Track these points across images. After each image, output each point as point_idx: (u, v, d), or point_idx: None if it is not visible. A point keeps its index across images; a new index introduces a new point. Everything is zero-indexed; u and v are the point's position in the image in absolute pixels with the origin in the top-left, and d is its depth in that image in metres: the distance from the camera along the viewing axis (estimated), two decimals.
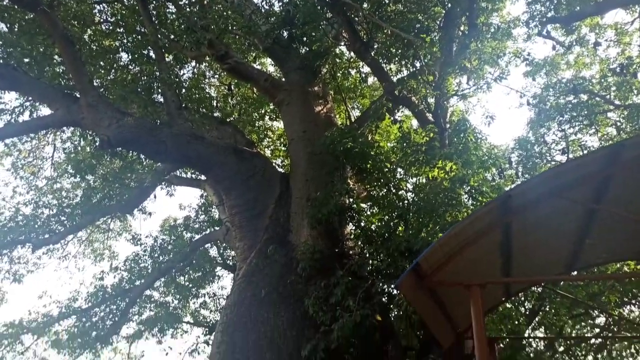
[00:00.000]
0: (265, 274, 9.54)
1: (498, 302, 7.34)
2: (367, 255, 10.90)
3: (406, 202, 10.04)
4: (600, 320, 16.54)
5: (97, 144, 11.57)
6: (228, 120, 14.26)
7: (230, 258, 16.70)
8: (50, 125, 11.73)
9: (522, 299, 15.27)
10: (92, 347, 14.33)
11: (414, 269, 4.01)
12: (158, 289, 16.45)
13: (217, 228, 14.96)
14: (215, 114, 14.32)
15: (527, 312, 15.18)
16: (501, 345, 11.25)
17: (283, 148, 16.82)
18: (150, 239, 16.51)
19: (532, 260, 5.46)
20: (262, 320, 8.87)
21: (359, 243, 11.06)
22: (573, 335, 18.00)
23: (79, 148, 15.05)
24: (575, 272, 13.46)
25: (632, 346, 21.51)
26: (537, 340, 18.27)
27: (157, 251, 15.67)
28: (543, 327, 17.29)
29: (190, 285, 16.50)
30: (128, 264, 15.54)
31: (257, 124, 16.58)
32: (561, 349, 17.47)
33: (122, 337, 15.80)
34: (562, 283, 12.82)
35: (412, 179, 10.62)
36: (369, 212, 11.76)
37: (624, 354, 22.50)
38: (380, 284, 9.45)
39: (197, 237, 16.06)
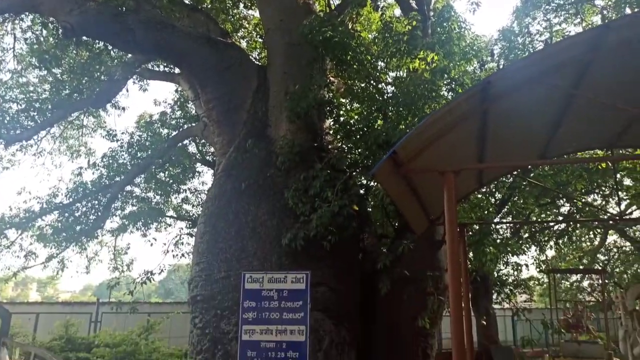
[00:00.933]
0: (245, 167, 9.61)
1: (471, 191, 7.62)
2: (346, 149, 11.01)
3: (386, 95, 9.92)
4: (565, 209, 17.54)
5: (60, 32, 10.80)
6: (200, 7, 13.33)
7: (210, 154, 16.71)
8: (5, 10, 10.81)
9: (494, 190, 15.98)
10: (78, 241, 14.74)
11: (391, 157, 4.05)
12: (139, 185, 16.58)
13: (194, 124, 14.74)
14: (186, 0, 13.34)
15: (497, 202, 15.95)
16: (470, 232, 11.93)
17: (259, 40, 16.05)
18: (127, 136, 16.28)
19: (506, 149, 5.57)
20: (243, 211, 9.11)
21: (338, 137, 11.10)
22: (538, 221, 19.14)
23: (42, 38, 14.09)
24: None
25: (591, 232, 23.22)
26: (504, 227, 19.47)
27: (134, 147, 15.52)
28: (511, 216, 18.31)
29: (171, 181, 16.66)
30: (106, 160, 15.44)
31: (231, 13, 15.60)
32: (526, 235, 18.73)
33: (106, 231, 16.23)
34: (532, 175, 13.35)
35: (392, 72, 10.39)
36: (348, 106, 11.65)
37: (582, 239, 24.38)
38: (358, 176, 9.67)
39: (174, 133, 15.85)
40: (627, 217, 13.36)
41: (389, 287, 8.89)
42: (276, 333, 5.51)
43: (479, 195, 12.46)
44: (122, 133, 16.47)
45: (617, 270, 24.68)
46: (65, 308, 15.16)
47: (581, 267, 21.41)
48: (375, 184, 9.74)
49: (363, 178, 9.77)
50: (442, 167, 4.13)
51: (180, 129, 15.90)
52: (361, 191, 9.98)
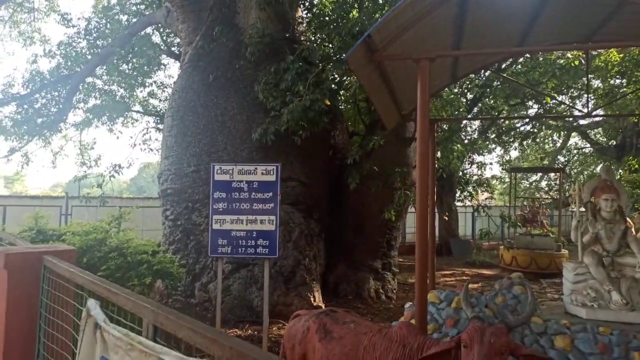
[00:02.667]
0: (213, 58, 9.15)
1: (444, 85, 7.52)
2: (319, 41, 10.52)
3: None
4: (533, 111, 17.76)
5: None
6: None
7: (176, 45, 15.77)
8: None
9: (466, 91, 15.93)
10: (41, 134, 14.22)
11: (365, 42, 3.84)
12: (101, 77, 15.74)
13: (156, 10, 13.66)
14: None
15: (469, 103, 15.99)
16: (440, 131, 12.04)
17: None
18: (83, 21, 15.06)
19: (483, 39, 5.39)
20: (211, 104, 8.83)
21: (311, 28, 10.56)
22: (506, 123, 19.47)
23: None
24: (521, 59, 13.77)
25: (555, 134, 23.89)
26: (472, 128, 19.76)
27: (92, 34, 14.44)
28: (481, 116, 18.50)
29: (135, 74, 15.83)
30: (62, 48, 14.40)
31: None
32: (493, 136, 19.14)
33: (70, 124, 15.66)
34: (505, 73, 13.25)
35: None
36: None
37: (546, 141, 25.16)
38: (331, 70, 9.37)
39: (134, 20, 14.73)
40: (593, 115, 13.69)
41: (358, 181, 9.08)
42: (247, 222, 5.60)
43: (452, 95, 12.41)
44: (78, 19, 15.23)
45: (575, 170, 25.90)
46: (35, 201, 15.03)
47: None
48: (348, 78, 9.48)
49: (336, 72, 9.48)
50: (417, 54, 3.97)
51: (141, 16, 14.77)
52: (334, 86, 9.75)
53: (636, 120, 15.42)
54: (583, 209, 5.63)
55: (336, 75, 9.87)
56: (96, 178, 11.32)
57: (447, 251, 17.56)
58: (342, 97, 11.23)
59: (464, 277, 12.32)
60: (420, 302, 3.89)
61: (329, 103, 8.43)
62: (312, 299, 7.80)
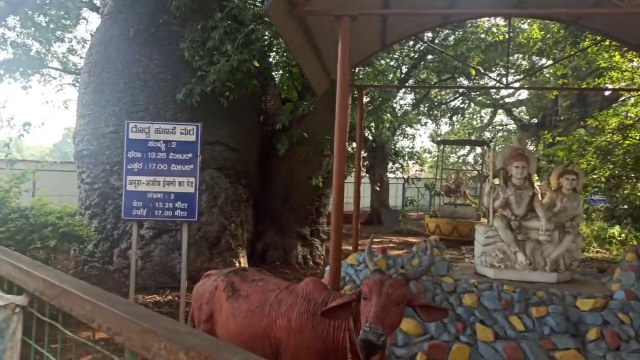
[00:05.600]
0: (135, 11, 8.53)
1: (373, 52, 7.50)
2: None
3: None
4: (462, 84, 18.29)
5: None
6: None
7: None
8: None
9: (400, 64, 16.15)
10: None
11: None
12: (13, 28, 14.30)
13: None
14: None
15: (402, 75, 16.24)
16: (370, 105, 12.12)
17: None
18: None
19: (411, 2, 5.37)
20: (133, 61, 8.29)
21: None
22: (437, 98, 20.06)
23: None
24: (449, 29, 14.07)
25: (482, 111, 24.97)
26: (405, 102, 20.17)
27: None
28: (413, 92, 18.92)
29: (53, 27, 14.53)
30: None
31: None
32: (424, 109, 19.65)
33: None
34: (436, 41, 13.52)
35: None
36: None
37: (474, 117, 26.28)
38: (261, 31, 9.05)
39: None
40: (515, 87, 14.37)
41: (287, 148, 8.97)
42: (164, 184, 5.34)
43: (383, 66, 12.50)
44: None
45: (499, 145, 27.31)
46: None
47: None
48: (279, 40, 9.20)
49: (267, 33, 9.18)
50: (338, 11, 3.86)
51: None
52: (263, 47, 9.44)
53: (553, 98, 16.40)
54: (496, 179, 5.89)
55: (267, 37, 9.57)
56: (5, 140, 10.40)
57: (378, 221, 18.03)
58: (275, 62, 10.96)
59: (392, 245, 12.72)
60: (334, 262, 3.91)
61: (258, 65, 8.18)
62: (237, 265, 7.71)
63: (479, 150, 23.95)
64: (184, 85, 7.87)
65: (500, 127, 26.59)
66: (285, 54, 9.51)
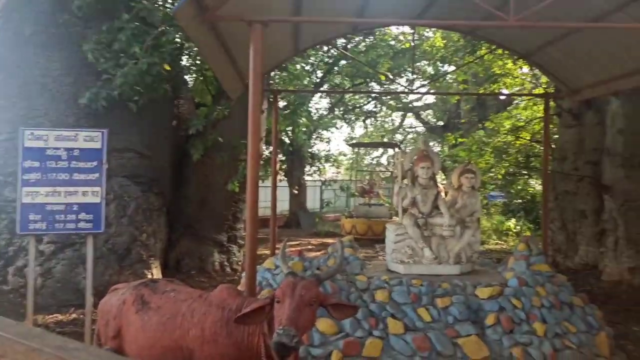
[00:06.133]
0: (31, 9, 7.90)
1: (287, 57, 7.59)
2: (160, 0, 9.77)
3: None
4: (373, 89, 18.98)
5: None
6: None
7: None
8: None
9: (315, 69, 16.45)
10: None
11: None
12: None
13: None
14: None
15: (318, 79, 16.55)
16: (287, 109, 12.26)
17: None
18: None
19: (321, 11, 5.53)
20: (29, 64, 7.69)
21: None
22: (351, 102, 20.69)
23: None
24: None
25: (393, 114, 26.12)
26: (320, 106, 20.58)
27: None
28: (328, 96, 19.34)
29: None
30: None
31: None
32: (339, 113, 20.17)
33: None
34: (348, 47, 13.96)
35: None
36: None
37: (386, 120, 27.43)
38: (172, 33, 8.80)
39: None
40: (420, 92, 15.23)
41: (202, 153, 8.79)
42: (65, 195, 5.00)
43: (298, 70, 12.70)
44: None
45: (410, 147, 28.75)
46: None
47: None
48: (192, 44, 9.00)
49: (178, 35, 8.93)
50: (250, 17, 3.89)
51: None
52: (175, 50, 9.17)
53: (456, 102, 17.61)
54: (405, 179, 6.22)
55: (178, 40, 9.31)
56: None
57: (297, 224, 18.18)
58: (187, 65, 10.69)
59: (310, 247, 12.90)
60: (250, 267, 3.92)
61: (169, 68, 7.95)
62: (150, 277, 7.41)
63: (391, 151, 25.07)
64: (87, 89, 7.43)
65: (410, 130, 27.98)
66: (198, 58, 9.32)
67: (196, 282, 8.01)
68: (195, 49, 8.72)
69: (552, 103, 10.38)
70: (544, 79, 10.41)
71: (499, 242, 13.77)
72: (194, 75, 10.80)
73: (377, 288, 5.08)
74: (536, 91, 11.81)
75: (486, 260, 7.17)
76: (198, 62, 9.84)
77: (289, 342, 2.24)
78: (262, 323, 2.58)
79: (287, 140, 16.67)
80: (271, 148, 8.80)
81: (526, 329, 4.75)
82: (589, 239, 9.05)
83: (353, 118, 22.49)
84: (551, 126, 11.28)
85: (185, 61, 9.87)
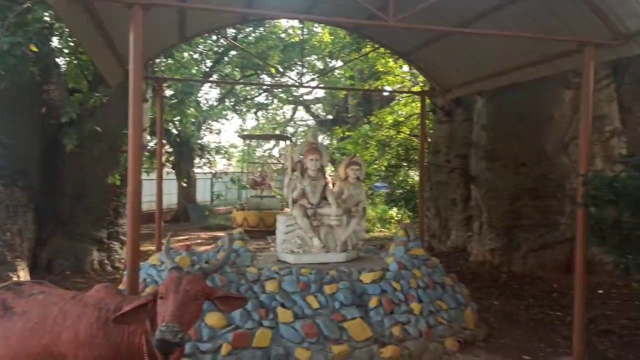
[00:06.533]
0: None
1: (173, 44, 7.26)
2: None
3: None
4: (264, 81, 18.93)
5: None
6: None
7: None
8: None
9: (204, 58, 15.93)
10: None
11: None
12: None
13: None
14: None
15: (207, 69, 16.05)
16: (174, 98, 11.72)
17: None
18: None
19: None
20: None
21: None
22: (242, 94, 20.42)
23: None
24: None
25: (284, 107, 26.31)
26: (210, 97, 20.02)
27: None
28: (219, 87, 18.87)
29: None
30: None
31: None
32: (230, 104, 19.80)
33: None
34: (239, 37, 13.74)
35: None
36: None
37: (277, 112, 27.55)
38: (39, 11, 7.93)
39: None
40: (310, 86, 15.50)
41: (76, 143, 8.08)
42: None
43: (187, 55, 12.21)
44: None
45: (301, 139, 29.23)
46: None
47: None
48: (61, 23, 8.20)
49: (47, 14, 8.07)
50: None
51: None
52: (45, 31, 8.28)
53: (343, 97, 18.30)
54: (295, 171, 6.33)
55: (47, 18, 8.42)
56: None
57: (186, 217, 17.55)
58: (60, 48, 9.71)
59: (199, 241, 12.56)
60: (132, 264, 3.72)
61: (36, 49, 7.15)
62: (15, 279, 6.66)
63: (283, 144, 25.26)
64: None
65: (301, 123, 28.44)
66: (71, 39, 8.51)
67: (71, 283, 7.38)
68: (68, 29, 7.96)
69: (428, 100, 11.27)
70: (421, 77, 11.23)
71: (383, 229, 14.64)
72: (67, 58, 9.85)
73: (267, 279, 5.13)
74: (415, 89, 12.72)
75: (370, 247, 7.58)
76: (72, 44, 9.00)
77: (172, 338, 2.18)
78: (145, 321, 2.47)
79: (174, 131, 15.96)
80: (157, 139, 8.38)
81: (404, 308, 5.14)
82: (459, 224, 10.03)
83: (244, 110, 22.22)
84: (427, 122, 12.26)
85: (56, 42, 8.96)
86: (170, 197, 18.71)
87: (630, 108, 7.89)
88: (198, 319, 2.56)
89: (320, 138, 27.11)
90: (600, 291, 7.10)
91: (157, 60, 10.85)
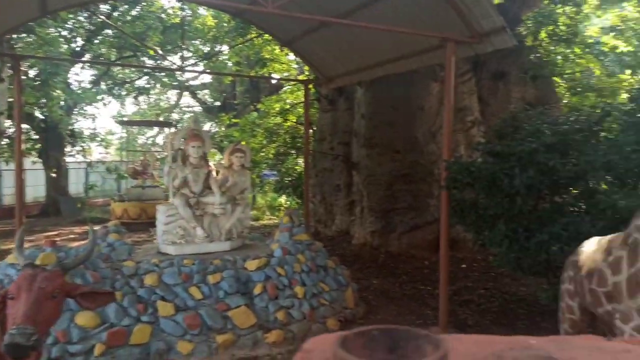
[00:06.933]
0: None
1: (29, 19, 6.48)
2: None
3: None
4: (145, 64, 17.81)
5: None
6: None
7: None
8: None
9: (75, 35, 14.50)
10: None
11: None
12: None
13: None
14: None
15: (78, 47, 14.64)
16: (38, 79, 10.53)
17: None
18: None
19: None
20: None
21: None
22: (120, 76, 19.00)
23: None
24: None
25: (168, 92, 25.05)
26: (83, 79, 18.26)
27: None
28: (94, 68, 17.33)
29: None
30: None
31: None
32: (106, 87, 18.31)
33: None
34: (115, 14, 12.71)
35: None
36: None
37: (161, 98, 26.16)
38: None
39: None
40: (192, 70, 14.98)
41: None
42: None
43: (51, 35, 10.99)
44: None
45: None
46: None
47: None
48: None
49: None
50: None
51: None
52: None
53: (229, 83, 17.93)
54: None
55: None
56: None
57: (56, 211, 15.97)
58: None
59: (72, 236, 11.54)
60: None
61: None
62: None
63: (168, 131, 24.05)
64: None
65: (188, 109, 27.34)
66: None
67: None
68: None
69: (313, 89, 11.51)
70: (307, 66, 11.41)
71: (272, 217, 14.74)
72: None
73: (146, 272, 4.90)
74: (301, 78, 12.89)
75: (257, 234, 7.60)
76: None
77: (25, 341, 1.99)
78: None
79: (40, 116, 14.36)
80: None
81: (289, 293, 5.25)
82: (343, 209, 10.46)
83: (123, 94, 20.70)
84: (313, 110, 12.53)
85: None
86: (38, 189, 16.89)
87: (488, 100, 8.84)
88: (57, 318, 2.36)
89: (208, 126, 26.35)
90: (464, 265, 7.92)
91: (16, 36, 9.65)
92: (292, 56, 13.34)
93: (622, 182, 4.20)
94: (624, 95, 8.64)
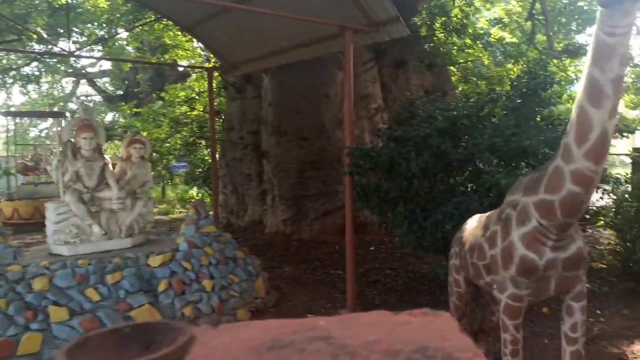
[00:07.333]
0: None
1: None
2: None
3: None
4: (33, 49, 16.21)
5: None
6: None
7: None
8: None
9: None
10: None
11: None
12: None
13: None
14: None
15: None
16: None
17: None
18: None
19: None
20: None
21: None
22: (4, 62, 17.18)
23: None
24: None
25: (62, 80, 23.08)
26: None
27: None
28: None
29: None
30: None
31: None
32: None
33: None
34: None
35: None
36: None
37: (54, 86, 24.02)
38: None
39: None
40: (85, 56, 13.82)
41: None
42: None
43: None
44: None
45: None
46: None
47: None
48: None
49: None
50: None
51: None
52: None
53: (129, 70, 16.91)
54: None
55: None
56: None
57: None
58: None
59: None
60: None
61: None
62: None
63: (64, 123, 22.18)
64: None
65: (86, 98, 25.39)
66: None
67: None
68: None
69: (220, 77, 11.19)
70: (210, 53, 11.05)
71: (183, 210, 14.24)
72: None
73: (34, 276, 4.51)
74: (207, 65, 12.47)
75: (162, 229, 7.32)
76: None
77: None
78: None
79: None
80: None
81: (196, 287, 5.11)
82: (255, 199, 10.37)
83: (9, 82, 18.72)
84: (221, 98, 12.21)
85: None
86: None
87: (390, 88, 9.18)
88: None
89: (110, 116, 24.64)
90: (372, 248, 8.22)
91: None
92: (198, 42, 12.85)
93: (505, 162, 4.58)
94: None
